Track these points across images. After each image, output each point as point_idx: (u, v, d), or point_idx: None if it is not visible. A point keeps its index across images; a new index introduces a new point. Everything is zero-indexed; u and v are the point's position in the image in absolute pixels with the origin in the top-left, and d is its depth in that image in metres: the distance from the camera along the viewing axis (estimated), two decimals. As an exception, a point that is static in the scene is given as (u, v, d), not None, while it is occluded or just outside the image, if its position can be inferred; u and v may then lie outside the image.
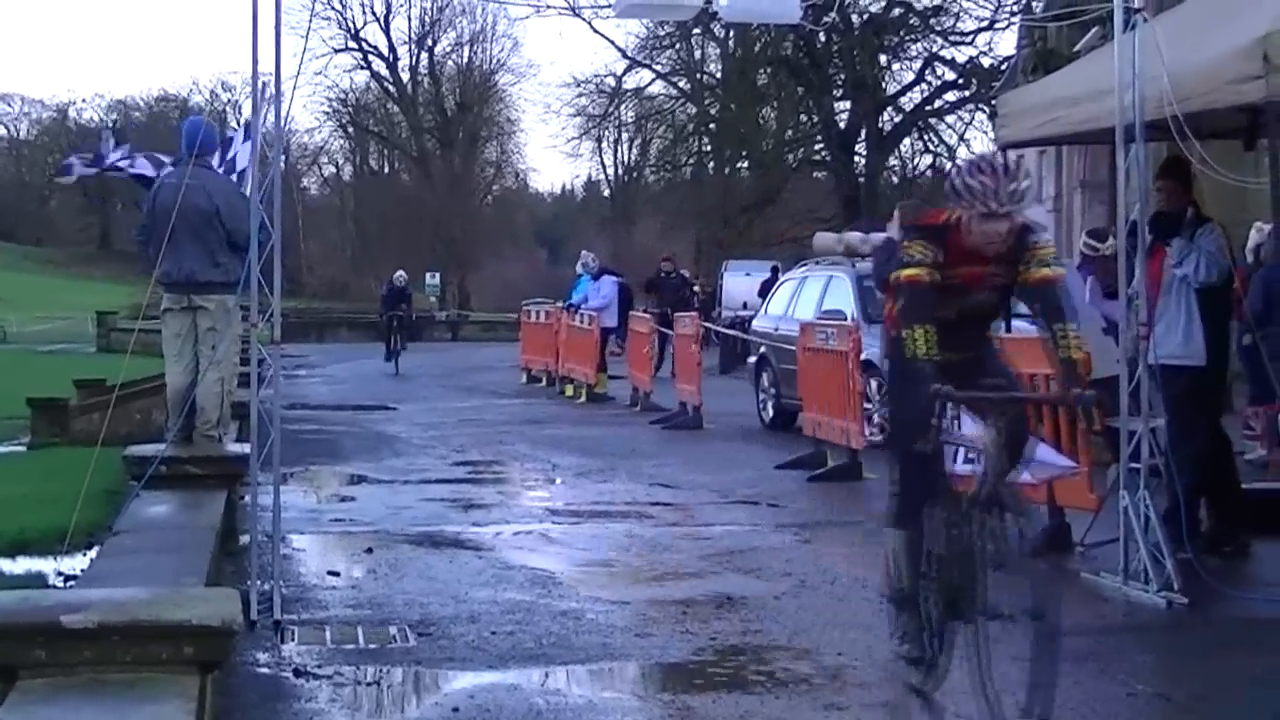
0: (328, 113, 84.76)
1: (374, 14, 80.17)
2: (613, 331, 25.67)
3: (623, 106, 61.57)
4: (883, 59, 51.17)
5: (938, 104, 51.56)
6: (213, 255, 10.25)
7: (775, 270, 36.66)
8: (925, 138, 52.57)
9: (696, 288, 37.13)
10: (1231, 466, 10.14)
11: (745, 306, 32.52)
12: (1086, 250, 12.88)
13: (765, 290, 30.39)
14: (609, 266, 29.06)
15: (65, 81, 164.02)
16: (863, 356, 14.32)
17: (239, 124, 11.96)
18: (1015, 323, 12.58)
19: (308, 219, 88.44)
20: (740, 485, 13.74)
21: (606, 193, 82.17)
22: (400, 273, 35.54)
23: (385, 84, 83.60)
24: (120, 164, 11.82)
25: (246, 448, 8.80)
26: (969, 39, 49.34)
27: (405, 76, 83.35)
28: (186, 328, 10.52)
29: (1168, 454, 8.73)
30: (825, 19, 46.32)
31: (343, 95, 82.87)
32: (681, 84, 58.01)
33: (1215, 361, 9.62)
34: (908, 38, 50.66)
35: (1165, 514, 8.83)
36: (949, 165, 52.21)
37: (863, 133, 51.81)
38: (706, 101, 56.93)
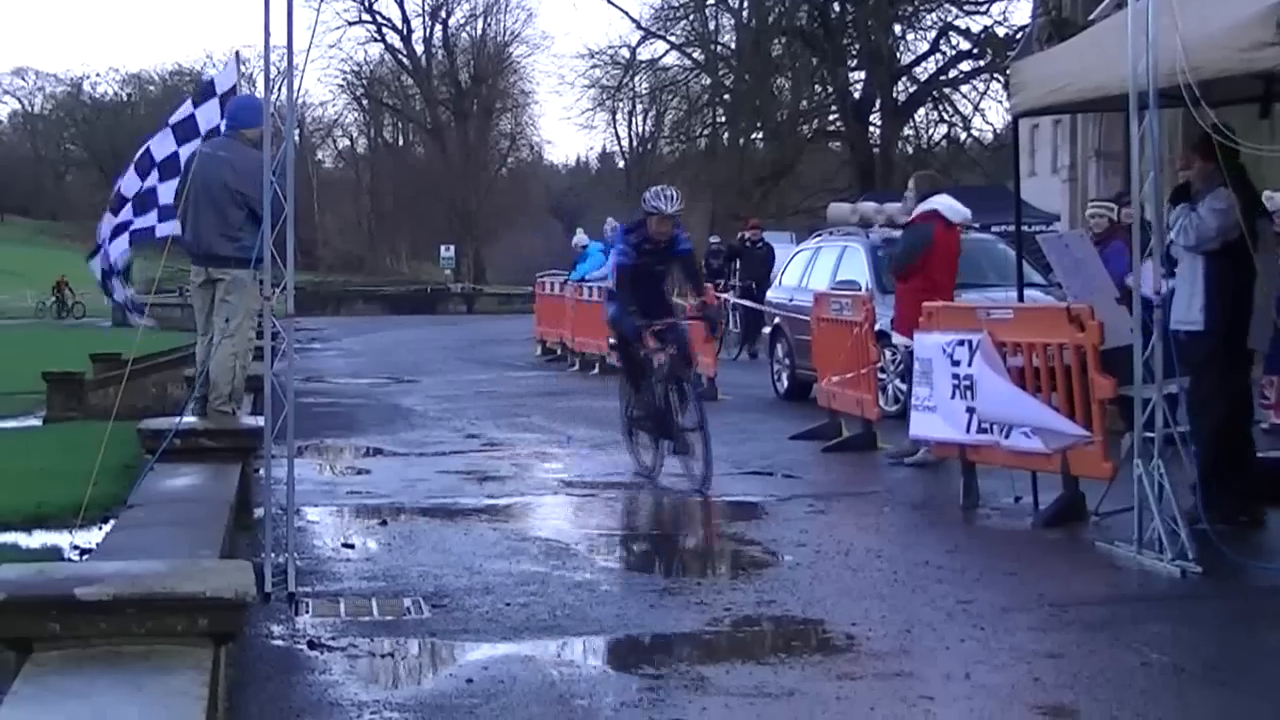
0: (342, 85, 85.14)
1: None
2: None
3: (637, 78, 61.49)
4: (897, 29, 51.14)
5: (952, 74, 51.53)
6: (232, 230, 10.22)
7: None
8: (940, 108, 52.58)
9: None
10: (1248, 437, 10.07)
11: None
12: (1109, 218, 12.88)
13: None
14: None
15: (79, 55, 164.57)
16: (877, 327, 14.29)
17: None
18: (1029, 292, 12.63)
19: (323, 192, 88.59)
20: (755, 456, 13.72)
21: (621, 165, 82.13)
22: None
23: (399, 56, 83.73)
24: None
25: (261, 421, 8.81)
26: (983, 8, 49.37)
27: (419, 49, 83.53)
28: (209, 302, 10.54)
29: (1190, 422, 8.71)
30: (839, -12, 46.31)
31: (357, 68, 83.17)
32: (696, 55, 57.88)
33: (1226, 327, 9.50)
34: (922, 7, 50.60)
35: (1193, 484, 8.82)
36: (963, 135, 52.31)
37: (877, 103, 51.78)
38: (721, 72, 56.82)
